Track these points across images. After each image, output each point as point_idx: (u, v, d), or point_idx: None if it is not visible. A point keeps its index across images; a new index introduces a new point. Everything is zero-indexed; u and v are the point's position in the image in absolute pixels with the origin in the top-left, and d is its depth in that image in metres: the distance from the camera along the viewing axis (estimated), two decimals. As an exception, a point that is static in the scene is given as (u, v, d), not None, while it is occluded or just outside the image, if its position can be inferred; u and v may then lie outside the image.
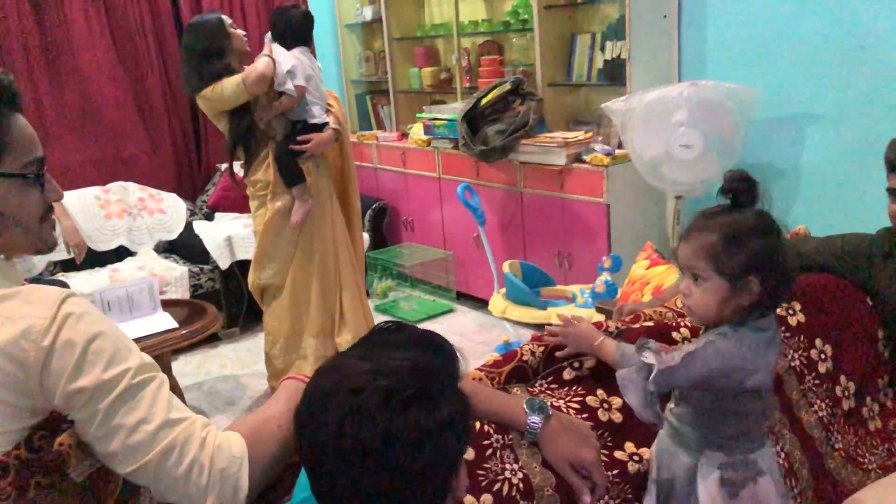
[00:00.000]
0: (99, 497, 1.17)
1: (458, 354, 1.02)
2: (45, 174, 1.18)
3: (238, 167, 3.38)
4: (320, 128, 3.28)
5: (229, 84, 3.08)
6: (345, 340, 3.41)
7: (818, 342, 1.77)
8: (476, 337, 4.06)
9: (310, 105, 3.25)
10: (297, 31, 3.27)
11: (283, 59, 3.18)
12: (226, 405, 3.64)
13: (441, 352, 1.00)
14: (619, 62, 3.74)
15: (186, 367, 4.03)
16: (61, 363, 1.04)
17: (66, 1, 4.36)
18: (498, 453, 1.31)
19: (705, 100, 3.26)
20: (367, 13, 5.24)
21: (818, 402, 1.71)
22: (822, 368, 1.75)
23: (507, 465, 1.31)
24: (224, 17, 3.25)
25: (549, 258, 3.92)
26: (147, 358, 1.13)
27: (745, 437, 1.30)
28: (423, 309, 4.55)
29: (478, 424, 1.32)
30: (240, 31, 3.27)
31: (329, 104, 3.37)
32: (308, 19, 3.34)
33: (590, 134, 3.87)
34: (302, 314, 3.40)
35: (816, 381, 1.73)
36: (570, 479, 1.30)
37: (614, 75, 3.79)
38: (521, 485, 1.30)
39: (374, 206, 4.86)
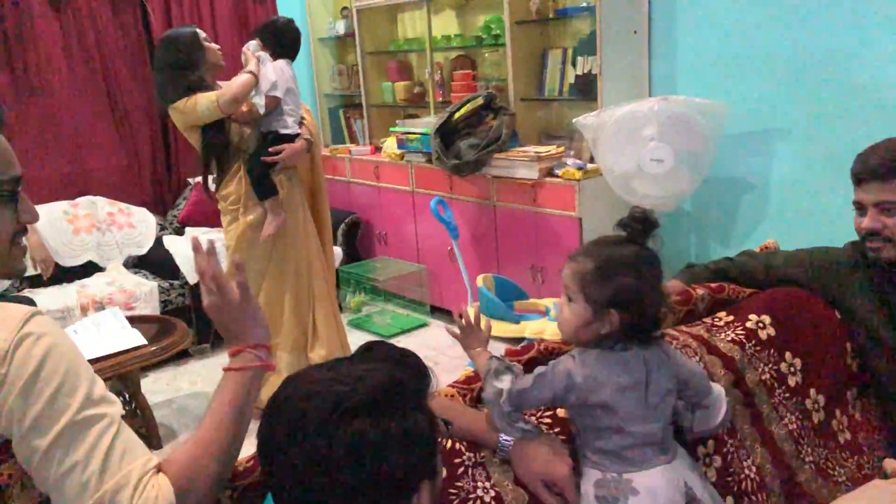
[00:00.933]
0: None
1: (427, 372, 1.01)
2: (20, 193, 1.15)
3: (210, 181, 3.35)
4: (292, 138, 3.26)
5: (203, 100, 3.07)
6: (318, 355, 3.40)
7: (788, 355, 1.78)
8: (450, 351, 4.04)
9: (284, 116, 3.23)
10: (286, 45, 3.28)
11: (267, 71, 3.18)
12: (195, 422, 3.58)
13: (408, 367, 0.99)
14: (591, 77, 3.77)
15: (156, 384, 3.97)
16: (12, 384, 1.01)
17: (33, 13, 4.31)
18: (469, 471, 1.30)
19: (676, 114, 3.29)
20: (340, 27, 5.24)
21: (788, 415, 1.72)
22: (791, 382, 1.76)
23: (479, 483, 1.30)
24: (198, 30, 3.22)
25: (522, 271, 3.92)
26: (99, 389, 1.09)
27: (617, 456, 1.31)
28: (397, 323, 4.53)
29: (449, 442, 1.31)
30: (214, 45, 3.25)
31: (302, 116, 3.37)
32: (298, 35, 3.35)
33: (562, 148, 3.89)
34: (275, 329, 3.36)
35: (786, 395, 1.74)
36: (542, 497, 1.30)
37: (586, 90, 3.82)
38: (493, 503, 1.29)
39: (347, 220, 4.84)
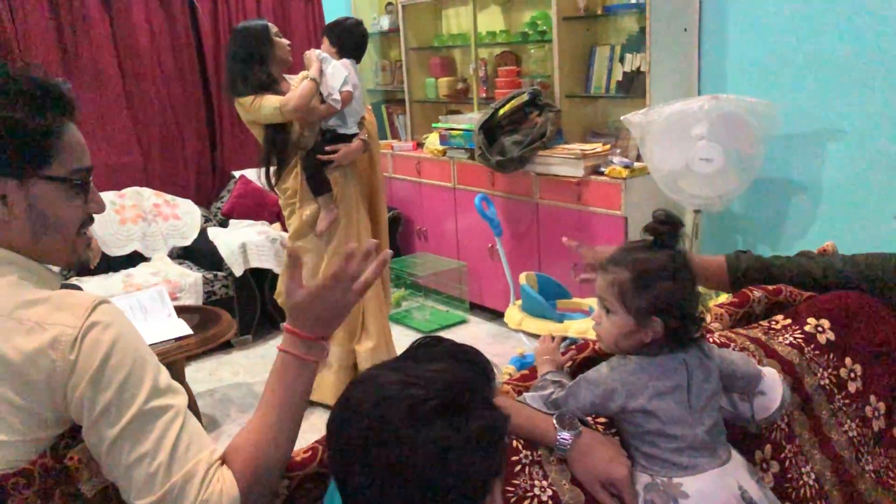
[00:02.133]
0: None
1: (492, 368, 1.00)
2: (90, 184, 1.17)
3: (271, 173, 3.40)
4: (349, 138, 3.31)
5: (268, 104, 3.16)
6: (365, 348, 3.46)
7: (847, 360, 1.74)
8: (489, 349, 4.04)
9: (346, 115, 3.29)
10: (354, 46, 3.37)
11: (336, 69, 3.24)
12: (238, 413, 3.62)
13: (475, 365, 0.98)
14: (639, 74, 3.73)
15: (198, 374, 4.02)
16: (81, 372, 1.03)
17: (84, 4, 4.38)
18: (527, 469, 1.29)
19: (726, 114, 3.24)
20: (385, 23, 5.25)
21: (848, 421, 1.68)
22: (851, 387, 1.71)
23: (536, 482, 1.28)
24: (270, 24, 3.28)
25: (564, 270, 3.89)
26: (165, 379, 1.10)
27: (665, 461, 1.30)
28: (436, 319, 4.53)
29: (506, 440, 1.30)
30: (284, 41, 3.31)
31: (363, 117, 3.43)
32: (366, 37, 3.43)
33: (607, 146, 3.85)
34: None
35: (846, 401, 1.69)
36: (599, 497, 1.28)
37: (633, 88, 3.78)
38: (550, 502, 1.27)
39: (388, 215, 4.84)
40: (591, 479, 1.29)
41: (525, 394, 1.40)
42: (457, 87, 4.92)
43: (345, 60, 3.31)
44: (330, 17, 5.32)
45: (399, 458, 0.87)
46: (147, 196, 4.60)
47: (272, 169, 3.34)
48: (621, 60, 3.88)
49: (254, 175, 4.57)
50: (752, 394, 1.42)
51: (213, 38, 4.86)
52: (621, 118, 3.47)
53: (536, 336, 3.40)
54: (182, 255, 4.59)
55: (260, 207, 4.73)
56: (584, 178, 3.73)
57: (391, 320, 4.54)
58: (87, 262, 4.04)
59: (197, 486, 1.05)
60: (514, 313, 3.35)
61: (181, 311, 3.54)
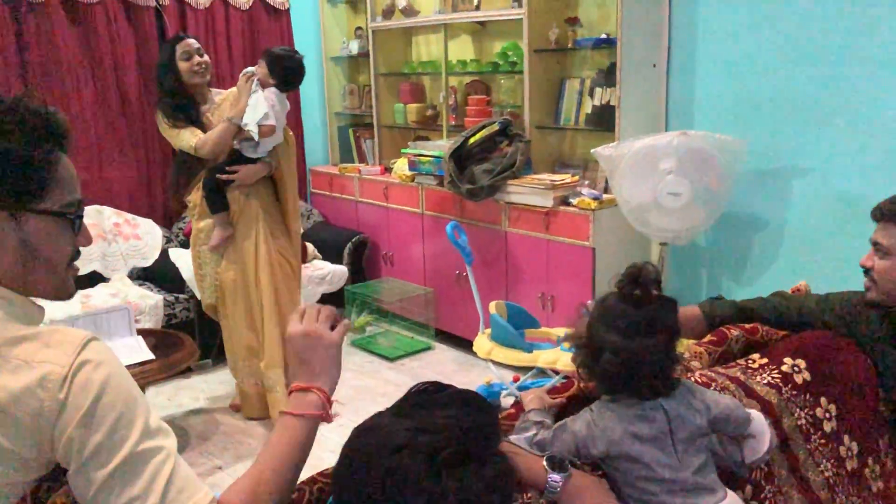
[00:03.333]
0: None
1: (496, 412, 1.00)
2: (82, 218, 1.14)
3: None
4: (255, 160, 3.43)
5: (184, 140, 3.35)
6: (262, 365, 3.55)
7: (823, 401, 1.77)
8: (456, 377, 4.02)
9: (260, 143, 3.38)
10: (289, 81, 3.43)
11: (259, 103, 3.33)
12: (198, 440, 3.54)
13: (482, 411, 0.97)
14: (608, 108, 3.78)
15: (157, 399, 3.92)
16: (72, 413, 0.99)
17: (50, 20, 4.28)
18: (517, 513, 1.28)
19: (695, 149, 3.30)
20: (354, 47, 5.25)
21: (824, 461, 1.70)
22: (827, 427, 1.74)
23: (526, 526, 1.27)
24: (181, 45, 3.38)
25: (532, 299, 3.91)
26: (155, 420, 1.07)
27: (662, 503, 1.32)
28: (401, 346, 4.50)
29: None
30: (189, 64, 3.36)
31: (280, 142, 3.50)
32: (301, 72, 3.48)
33: (576, 177, 3.89)
34: (231, 337, 3.60)
35: (822, 441, 1.72)
36: (590, 541, 1.27)
37: (602, 121, 3.83)
38: (540, 546, 1.26)
39: (354, 239, 4.82)
40: (581, 522, 1.28)
41: (510, 436, 1.39)
42: (426, 114, 4.93)
43: (271, 91, 3.36)
44: (300, 36, 5.31)
45: None
46: (107, 215, 4.50)
47: (180, 181, 3.53)
48: (591, 94, 3.93)
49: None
50: (742, 437, 1.43)
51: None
52: (591, 151, 3.51)
53: (504, 366, 3.40)
54: (142, 276, 4.49)
55: (224, 229, 4.65)
56: (552, 208, 3.76)
57: (355, 346, 4.52)
58: (72, 294, 3.91)
59: None
60: (483, 342, 3.35)
61: (142, 334, 3.46)
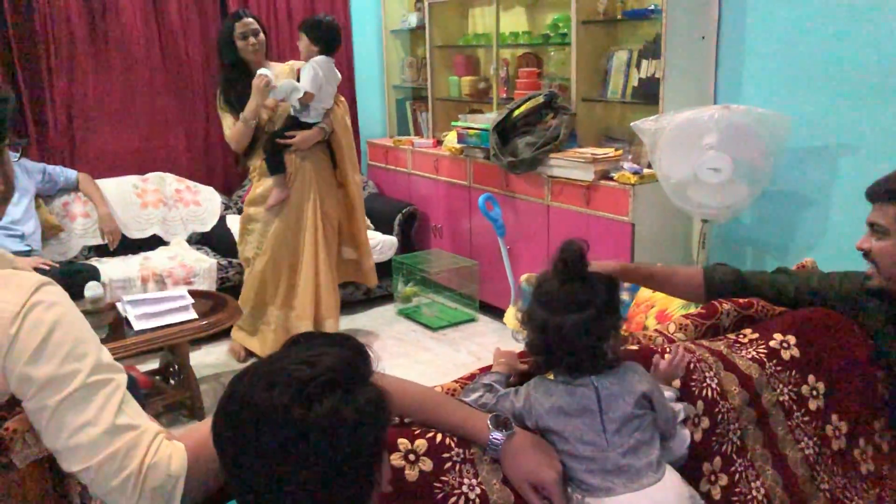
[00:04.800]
0: (59, 479, 1.20)
1: (366, 350, 1.03)
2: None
3: None
4: (311, 126, 3.70)
5: (224, 125, 3.76)
6: (295, 316, 3.88)
7: (811, 378, 1.72)
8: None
9: (310, 107, 3.63)
10: (333, 44, 3.69)
11: (302, 78, 3.60)
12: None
13: (353, 348, 1.01)
14: (654, 81, 3.70)
15: (207, 358, 4.10)
16: (22, 348, 1.08)
17: (116, -6, 4.50)
18: (457, 467, 1.31)
19: (736, 124, 3.21)
20: (413, 20, 5.28)
21: (805, 439, 1.67)
22: (812, 406, 1.70)
23: (466, 480, 1.31)
24: (238, 23, 3.62)
25: (571, 274, 3.88)
26: (107, 357, 1.15)
27: (580, 481, 1.32)
28: (445, 316, 4.56)
29: (439, 436, 1.33)
30: (245, 42, 3.62)
31: (329, 109, 3.73)
32: (340, 33, 3.73)
33: (620, 151, 3.84)
34: (268, 286, 3.85)
35: (805, 419, 1.68)
36: (528, 498, 1.30)
37: (648, 94, 3.75)
38: (477, 500, 1.30)
39: (404, 211, 4.89)
40: (520, 480, 1.31)
41: (460, 395, 1.42)
42: (479, 87, 4.93)
43: (320, 59, 3.58)
44: (360, 12, 5.38)
45: (291, 438, 0.89)
46: (169, 181, 4.70)
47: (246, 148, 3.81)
48: (638, 66, 3.86)
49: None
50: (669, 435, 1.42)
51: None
52: (632, 125, 3.46)
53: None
54: (200, 240, 4.68)
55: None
56: (593, 182, 3.73)
57: (401, 315, 4.61)
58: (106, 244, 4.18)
59: (143, 452, 1.09)
60: (512, 314, 3.37)
61: (193, 295, 3.62)
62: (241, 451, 0.92)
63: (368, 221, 4.92)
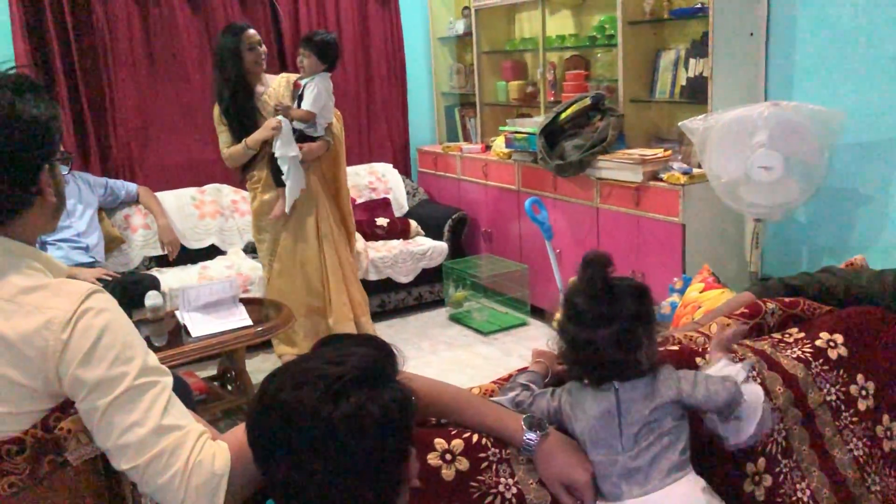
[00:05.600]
0: (112, 478, 1.26)
1: (392, 349, 1.05)
2: None
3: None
4: (315, 138, 3.79)
5: (220, 141, 3.84)
6: (331, 321, 3.94)
7: (860, 378, 1.69)
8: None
9: (315, 122, 3.76)
10: (336, 60, 3.82)
11: (317, 98, 3.71)
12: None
13: (379, 347, 1.03)
14: (702, 80, 3.66)
15: (264, 364, 4.20)
16: (74, 352, 1.14)
17: (171, 5, 4.63)
18: (494, 467, 1.33)
19: (787, 121, 3.15)
20: (460, 27, 5.32)
21: (855, 440, 1.63)
22: (861, 406, 1.66)
23: (502, 479, 1.32)
24: (244, 36, 3.68)
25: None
26: (153, 360, 1.20)
27: (599, 487, 1.33)
28: (496, 321, 4.57)
29: (475, 436, 1.35)
30: (253, 54, 3.70)
31: (331, 122, 3.87)
32: (339, 48, 3.90)
33: (669, 152, 3.80)
34: (286, 296, 3.89)
35: (854, 419, 1.65)
36: (560, 499, 1.31)
37: (696, 93, 3.71)
38: (513, 500, 1.31)
39: (454, 216, 4.92)
40: (553, 480, 1.32)
41: (496, 396, 1.44)
42: (527, 91, 4.94)
43: (322, 78, 3.73)
44: (407, 20, 5.45)
45: (320, 435, 0.92)
46: (226, 192, 4.83)
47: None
48: (685, 65, 3.81)
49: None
50: (728, 419, 1.39)
51: (293, 40, 5.03)
52: (679, 124, 3.42)
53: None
54: (256, 250, 4.78)
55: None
56: (642, 183, 3.70)
57: (451, 320, 4.64)
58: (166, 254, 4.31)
59: (188, 451, 1.14)
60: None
61: (248, 302, 3.71)
62: (273, 449, 0.96)
63: (419, 227, 4.99)
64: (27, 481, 1.15)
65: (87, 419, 1.16)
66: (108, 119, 4.55)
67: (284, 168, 3.69)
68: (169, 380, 1.21)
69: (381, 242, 4.84)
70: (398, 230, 4.94)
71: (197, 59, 4.75)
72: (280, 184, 3.76)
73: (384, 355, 1.02)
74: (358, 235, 4.62)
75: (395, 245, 4.81)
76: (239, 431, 1.23)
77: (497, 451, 1.35)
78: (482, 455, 1.33)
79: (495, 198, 4.79)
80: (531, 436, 1.33)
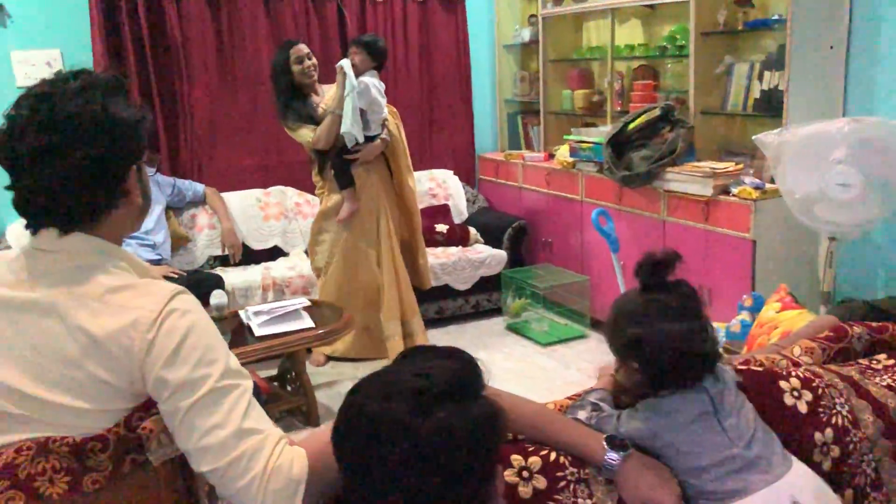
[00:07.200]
0: (190, 479, 1.26)
1: (477, 363, 1.03)
2: None
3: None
4: (373, 138, 3.88)
5: (302, 137, 3.90)
6: (384, 316, 4.08)
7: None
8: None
9: (369, 122, 3.86)
10: (382, 60, 3.97)
11: (351, 111, 3.77)
12: (353, 406, 3.77)
13: (463, 360, 1.01)
14: (777, 93, 3.56)
15: (325, 367, 4.21)
16: (158, 352, 1.14)
17: (241, 9, 4.71)
18: (571, 486, 1.30)
19: (867, 137, 3.04)
20: (526, 35, 5.30)
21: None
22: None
23: (580, 500, 1.29)
24: (292, 50, 3.83)
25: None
26: (234, 363, 1.21)
27: (710, 493, 1.29)
28: (555, 332, 4.52)
29: (553, 454, 1.32)
30: (301, 67, 3.85)
31: (385, 118, 3.97)
32: (387, 51, 4.09)
33: (740, 166, 3.71)
34: (343, 292, 4.03)
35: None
36: (644, 522, 1.27)
37: (771, 106, 3.62)
38: (591, 521, 1.28)
39: (514, 225, 4.89)
40: (637, 501, 1.28)
41: (567, 412, 1.41)
42: (592, 100, 4.89)
43: (371, 77, 3.84)
44: (475, 25, 5.43)
45: (407, 448, 0.91)
46: (290, 195, 4.88)
47: (316, 165, 4.04)
48: (760, 78, 3.72)
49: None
50: None
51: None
52: (753, 138, 3.33)
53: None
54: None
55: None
56: (712, 197, 3.61)
57: (509, 329, 4.60)
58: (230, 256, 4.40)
59: (267, 455, 1.14)
60: (625, 331, 3.30)
61: (312, 305, 3.73)
62: (360, 462, 0.94)
63: (478, 235, 4.97)
64: (109, 480, 1.16)
65: (168, 420, 1.17)
66: (179, 119, 4.64)
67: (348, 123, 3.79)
68: (249, 383, 1.22)
69: (439, 249, 4.83)
70: (457, 237, 4.93)
71: (266, 61, 4.80)
72: (344, 186, 3.92)
73: (470, 369, 1.00)
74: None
75: (454, 252, 4.80)
76: (315, 437, 1.23)
77: (575, 470, 1.31)
78: (560, 474, 1.30)
79: (557, 207, 4.74)
80: (613, 456, 1.29)
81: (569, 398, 1.51)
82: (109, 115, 1.21)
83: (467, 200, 5.34)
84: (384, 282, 4.06)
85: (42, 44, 4.36)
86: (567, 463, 1.32)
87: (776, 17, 3.57)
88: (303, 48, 3.89)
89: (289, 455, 1.16)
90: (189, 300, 1.22)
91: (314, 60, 3.93)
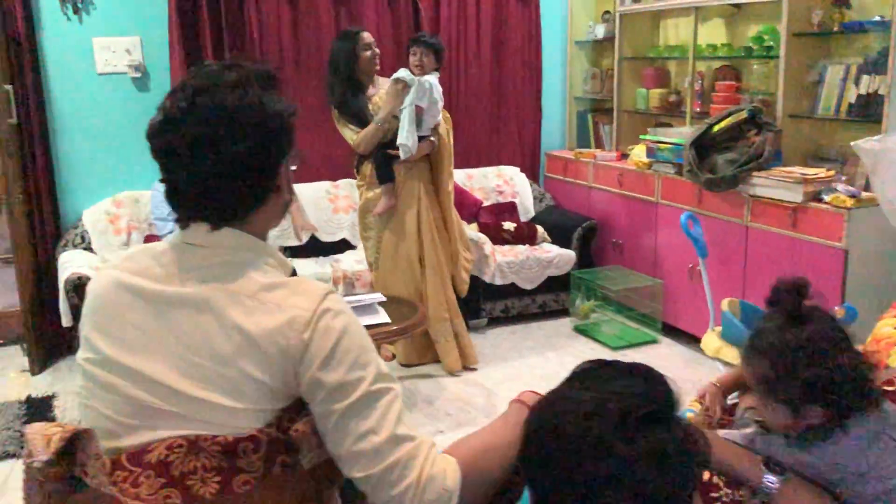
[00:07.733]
0: (321, 485, 1.22)
1: (671, 381, 0.97)
2: None
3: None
4: (421, 139, 3.81)
5: (347, 135, 3.89)
6: (431, 319, 3.95)
7: None
8: (682, 373, 3.88)
9: (423, 121, 3.78)
10: (442, 60, 3.92)
11: (407, 122, 3.72)
12: (424, 403, 3.75)
13: (658, 378, 0.96)
14: (877, 98, 3.43)
15: (393, 362, 4.18)
16: (314, 353, 1.11)
17: (317, 5, 4.70)
18: (726, 508, 1.24)
19: (978, 146, 2.91)
20: (600, 31, 5.21)
21: None
22: None
23: (735, 523, 1.23)
24: (359, 37, 3.79)
25: (770, 300, 3.66)
26: (384, 367, 1.17)
27: None
28: (625, 336, 4.43)
29: (706, 475, 1.26)
30: (367, 54, 3.80)
31: (438, 122, 3.90)
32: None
33: (832, 172, 3.58)
34: (391, 283, 3.98)
35: None
36: (804, 550, 1.21)
37: (868, 111, 3.49)
38: (748, 546, 1.22)
39: (584, 225, 4.80)
40: (796, 529, 1.22)
41: (726, 430, 1.34)
42: (669, 100, 4.78)
43: (431, 78, 3.78)
44: (547, 20, 5.35)
45: (614, 471, 0.86)
46: (358, 188, 4.86)
47: (356, 158, 4.00)
48: (856, 81, 3.59)
49: (459, 175, 4.86)
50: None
51: (434, 40, 5.03)
52: (851, 144, 3.22)
53: (733, 367, 3.24)
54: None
55: (458, 207, 4.84)
56: (802, 203, 3.50)
57: (577, 331, 4.53)
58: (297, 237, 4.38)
59: (420, 463, 1.11)
60: (711, 340, 3.21)
61: (388, 300, 3.70)
62: (556, 483, 0.90)
63: (545, 234, 4.90)
64: (259, 481, 1.13)
65: (321, 422, 1.14)
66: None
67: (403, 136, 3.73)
68: (399, 387, 1.18)
69: (507, 247, 4.78)
70: (525, 235, 4.86)
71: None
72: (383, 181, 3.86)
73: (665, 388, 0.94)
74: (485, 238, 4.58)
75: (522, 250, 4.73)
76: (461, 445, 1.19)
77: (729, 491, 1.26)
78: (714, 494, 1.25)
79: (630, 208, 4.65)
80: (772, 478, 1.23)
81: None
82: (266, 108, 1.18)
83: (534, 198, 5.27)
84: (429, 283, 3.98)
85: (122, 31, 4.40)
86: (721, 484, 1.26)
87: (877, 18, 3.44)
88: (369, 36, 3.85)
89: (442, 464, 1.12)
90: (339, 300, 1.18)
91: (378, 50, 3.89)
